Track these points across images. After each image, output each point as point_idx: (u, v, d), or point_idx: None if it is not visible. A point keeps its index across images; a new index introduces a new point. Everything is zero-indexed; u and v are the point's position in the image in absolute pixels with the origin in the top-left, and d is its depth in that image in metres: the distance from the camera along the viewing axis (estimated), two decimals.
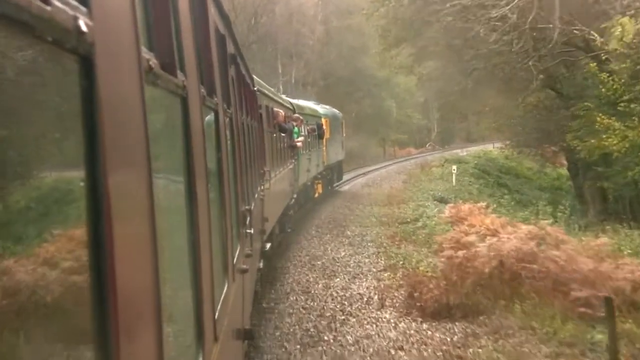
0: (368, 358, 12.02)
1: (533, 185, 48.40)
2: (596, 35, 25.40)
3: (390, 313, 14.54)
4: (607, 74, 25.27)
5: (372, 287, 16.57)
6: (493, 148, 69.21)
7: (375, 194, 37.65)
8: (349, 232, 25.04)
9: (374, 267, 18.94)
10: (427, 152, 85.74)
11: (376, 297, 15.76)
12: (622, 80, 25.10)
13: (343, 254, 20.98)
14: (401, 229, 25.10)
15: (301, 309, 15.05)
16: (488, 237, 15.84)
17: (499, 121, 41.86)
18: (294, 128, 22.62)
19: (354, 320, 14.14)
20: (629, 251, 17.64)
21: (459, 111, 49.86)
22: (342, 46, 72.11)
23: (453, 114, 57.63)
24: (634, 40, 23.14)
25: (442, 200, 31.23)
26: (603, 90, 25.54)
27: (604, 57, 26.00)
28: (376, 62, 72.91)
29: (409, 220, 26.71)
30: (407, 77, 79.43)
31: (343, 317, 14.33)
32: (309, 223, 27.57)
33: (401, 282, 16.30)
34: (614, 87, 25.16)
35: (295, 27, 66.26)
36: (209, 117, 5.05)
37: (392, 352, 12.21)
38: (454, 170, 38.15)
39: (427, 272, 16.32)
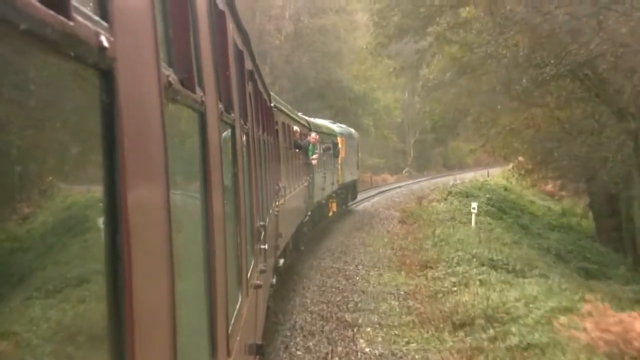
0: None
1: (541, 223, 38.29)
2: None
3: None
4: None
5: None
6: (489, 177, 59.12)
7: (375, 246, 25.93)
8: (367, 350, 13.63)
9: None
10: (406, 179, 72.40)
11: None
12: None
13: None
14: (473, 344, 13.54)
15: None
16: None
17: (514, 142, 33.06)
18: (309, 145, 22.67)
19: None
20: None
21: (468, 130, 42.01)
22: (314, 51, 60.75)
23: (451, 135, 48.16)
24: None
25: (494, 265, 20.38)
26: None
27: None
28: (352, 75, 65.11)
29: (476, 316, 14.99)
30: (385, 94, 71.12)
31: None
32: (288, 326, 15.12)
33: None
34: None
35: (259, 22, 54.86)
36: (226, 133, 5.09)
37: None
38: (474, 209, 28.47)
39: None
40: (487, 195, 40.33)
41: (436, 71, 34.83)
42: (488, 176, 58.99)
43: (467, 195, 40.17)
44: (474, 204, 29.11)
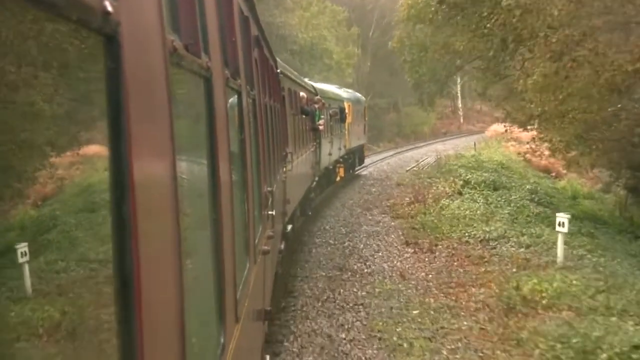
0: None
1: (561, 208, 24.16)
2: None
3: None
4: None
5: None
6: (475, 149, 46.24)
7: None
8: None
9: None
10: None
11: None
12: None
13: None
14: None
15: None
16: None
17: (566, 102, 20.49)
18: (315, 111, 22.61)
19: None
20: None
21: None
22: None
23: (440, 93, 37.27)
24: None
25: None
26: None
27: None
28: (295, 22, 53.18)
29: None
30: (335, 47, 59.90)
31: None
32: None
33: None
34: None
35: None
36: (233, 99, 5.07)
37: None
38: (562, 225, 16.15)
39: None
40: (528, 187, 27.86)
41: None
42: (475, 148, 46.82)
43: (494, 186, 27.83)
44: (563, 217, 16.29)
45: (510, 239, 19.23)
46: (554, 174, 38.66)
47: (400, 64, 40.16)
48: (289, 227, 14.84)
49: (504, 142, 49.61)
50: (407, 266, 17.35)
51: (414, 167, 41.67)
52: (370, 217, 24.57)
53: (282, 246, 13.05)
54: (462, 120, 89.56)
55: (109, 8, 1.68)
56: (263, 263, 7.39)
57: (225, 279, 3.72)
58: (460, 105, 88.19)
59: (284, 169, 13.21)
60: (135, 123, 1.88)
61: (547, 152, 28.48)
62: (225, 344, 3.67)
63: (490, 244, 19.08)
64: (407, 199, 27.31)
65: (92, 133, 1.91)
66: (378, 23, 75.14)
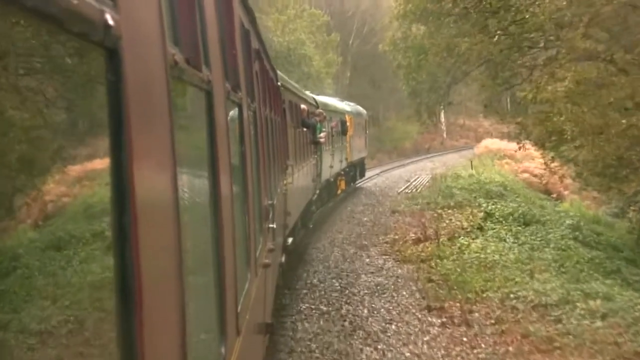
0: None
1: (611, 251, 20.92)
2: None
3: None
4: None
5: None
6: (473, 169, 40.15)
7: None
8: None
9: None
10: None
11: None
12: None
13: None
14: None
15: None
16: None
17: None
18: (316, 124, 22.63)
19: None
20: None
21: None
22: None
23: (439, 104, 32.01)
24: None
25: None
26: None
27: None
28: (271, 23, 49.98)
29: None
30: (314, 53, 55.13)
31: None
32: None
33: None
34: None
35: None
36: (233, 112, 5.07)
37: None
38: None
39: None
40: (568, 221, 22.88)
41: None
42: (472, 168, 41.10)
43: (524, 220, 22.83)
44: None
45: (577, 304, 13.51)
46: (554, 196, 35.10)
47: (382, 75, 36.35)
48: (290, 240, 14.84)
49: (497, 159, 47.70)
50: (439, 354, 11.56)
51: (405, 189, 36.76)
52: (368, 261, 18.92)
53: (283, 259, 13.04)
54: (445, 136, 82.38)
55: (110, 21, 1.69)
56: (264, 276, 7.38)
57: (226, 292, 3.71)
58: (443, 119, 79.64)
59: (285, 182, 13.22)
60: (136, 136, 1.88)
61: (561, 171, 24.93)
62: (226, 357, 3.65)
63: (550, 312, 13.32)
64: (412, 234, 21.68)
65: (92, 146, 1.91)
66: (358, 31, 73.20)
